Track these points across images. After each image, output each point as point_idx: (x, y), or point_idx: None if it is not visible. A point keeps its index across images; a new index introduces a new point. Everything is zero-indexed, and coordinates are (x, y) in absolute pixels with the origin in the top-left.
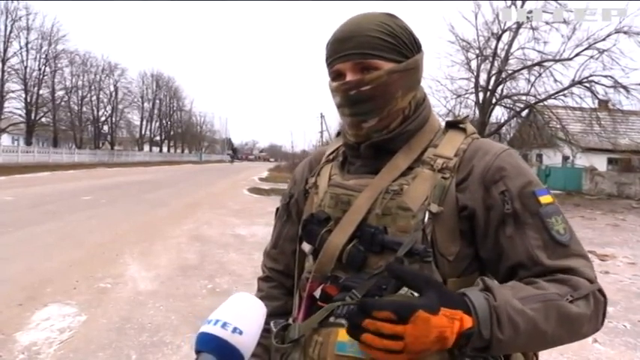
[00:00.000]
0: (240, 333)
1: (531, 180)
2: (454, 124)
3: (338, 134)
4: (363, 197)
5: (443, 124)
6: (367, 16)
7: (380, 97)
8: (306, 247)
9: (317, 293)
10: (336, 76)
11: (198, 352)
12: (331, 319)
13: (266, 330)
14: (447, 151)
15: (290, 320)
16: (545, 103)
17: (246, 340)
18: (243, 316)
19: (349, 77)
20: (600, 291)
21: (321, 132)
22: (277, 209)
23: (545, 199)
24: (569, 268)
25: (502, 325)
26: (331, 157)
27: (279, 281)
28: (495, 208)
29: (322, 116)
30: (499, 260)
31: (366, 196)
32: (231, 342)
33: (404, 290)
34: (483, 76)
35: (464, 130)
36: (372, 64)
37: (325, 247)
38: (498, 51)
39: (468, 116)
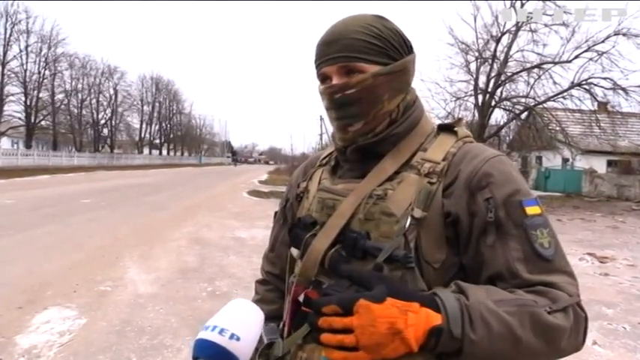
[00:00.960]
0: (238, 339)
1: (519, 189)
2: (447, 127)
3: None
4: (347, 202)
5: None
6: (355, 19)
7: (365, 101)
8: (294, 251)
9: (301, 298)
10: (323, 79)
11: (195, 358)
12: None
13: None
14: (436, 155)
15: (280, 324)
16: (545, 105)
17: (244, 347)
18: (241, 323)
19: (335, 80)
20: (580, 306)
21: (321, 134)
22: (275, 213)
23: (532, 209)
24: (550, 283)
25: (474, 324)
26: (324, 161)
27: (276, 285)
28: (479, 215)
29: (321, 119)
30: (479, 269)
31: (351, 200)
32: (228, 348)
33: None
34: (482, 79)
35: (456, 133)
36: (357, 67)
37: (309, 252)
38: (497, 53)
39: (462, 119)
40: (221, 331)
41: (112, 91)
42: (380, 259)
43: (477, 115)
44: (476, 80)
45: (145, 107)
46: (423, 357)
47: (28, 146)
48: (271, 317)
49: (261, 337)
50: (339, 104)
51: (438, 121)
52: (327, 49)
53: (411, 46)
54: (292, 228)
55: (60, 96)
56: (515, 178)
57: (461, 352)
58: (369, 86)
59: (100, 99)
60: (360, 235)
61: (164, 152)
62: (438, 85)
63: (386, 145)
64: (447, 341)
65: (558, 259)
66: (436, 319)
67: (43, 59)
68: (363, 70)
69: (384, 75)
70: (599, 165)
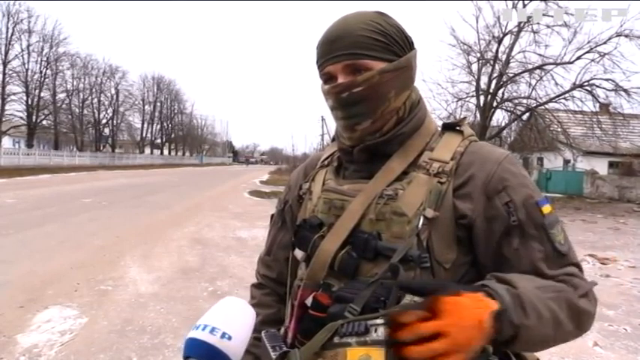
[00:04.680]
0: (229, 338)
1: (533, 190)
2: (451, 126)
3: (333, 139)
4: (356, 202)
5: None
6: (356, 15)
7: (373, 98)
8: (299, 253)
9: (308, 301)
10: (327, 78)
11: (186, 357)
12: (335, 340)
13: (257, 339)
14: (444, 154)
15: (282, 330)
16: (546, 106)
17: (235, 346)
18: (232, 321)
19: (340, 79)
20: (593, 291)
21: (322, 135)
22: (272, 215)
23: (546, 209)
24: (568, 274)
25: (527, 311)
26: (326, 162)
27: (272, 289)
28: (500, 219)
29: (323, 119)
30: (499, 269)
31: (360, 201)
32: (219, 347)
33: (407, 299)
34: (484, 80)
35: (461, 132)
36: (363, 65)
37: (317, 254)
38: (499, 54)
39: (465, 118)
40: (212, 330)
41: (113, 91)
42: (394, 260)
43: (478, 116)
44: (477, 81)
45: (147, 107)
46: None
47: (29, 145)
48: (269, 321)
49: (264, 344)
50: (345, 103)
51: (439, 122)
52: (331, 47)
53: (412, 42)
54: (298, 229)
55: (61, 95)
56: (527, 179)
57: (515, 339)
58: (376, 83)
59: (102, 98)
60: (372, 236)
61: (165, 152)
62: (439, 85)
63: (393, 145)
64: (506, 328)
65: (571, 253)
66: (494, 304)
67: (45, 58)
68: (369, 67)
69: (391, 71)
70: (601, 166)
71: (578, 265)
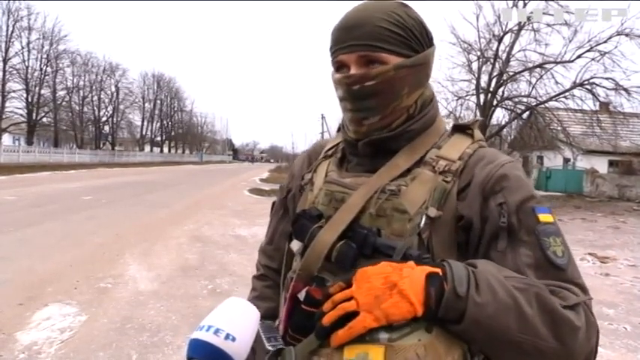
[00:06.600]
0: (233, 339)
1: (533, 195)
2: (461, 128)
3: (339, 130)
4: (357, 195)
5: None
6: (377, 4)
7: (385, 94)
8: (295, 245)
9: (301, 295)
10: (339, 66)
11: (190, 358)
12: None
13: None
14: (452, 153)
15: (276, 323)
16: (546, 105)
17: (239, 347)
18: (236, 322)
19: (353, 70)
20: (591, 311)
21: (322, 133)
22: (273, 203)
23: (544, 217)
24: (558, 286)
25: (480, 287)
26: (330, 152)
27: (274, 280)
28: (491, 221)
29: (323, 117)
30: None
31: (361, 194)
32: (223, 349)
33: None
34: (484, 78)
35: (471, 135)
36: (378, 58)
37: (313, 245)
38: (500, 53)
39: (477, 121)
40: (216, 331)
41: (113, 89)
42: (395, 258)
43: (478, 114)
44: (478, 79)
45: (147, 105)
46: (426, 323)
47: (29, 143)
48: (270, 316)
49: (259, 336)
50: (356, 96)
51: None
52: (347, 35)
53: (431, 38)
54: (297, 219)
55: (61, 93)
56: (529, 185)
57: (464, 317)
58: (390, 79)
59: (102, 96)
60: (371, 232)
61: (165, 150)
62: (439, 84)
63: (401, 141)
64: (451, 300)
65: (571, 270)
66: (434, 269)
67: (45, 56)
68: (384, 60)
69: (407, 68)
70: (601, 165)
71: (581, 286)
